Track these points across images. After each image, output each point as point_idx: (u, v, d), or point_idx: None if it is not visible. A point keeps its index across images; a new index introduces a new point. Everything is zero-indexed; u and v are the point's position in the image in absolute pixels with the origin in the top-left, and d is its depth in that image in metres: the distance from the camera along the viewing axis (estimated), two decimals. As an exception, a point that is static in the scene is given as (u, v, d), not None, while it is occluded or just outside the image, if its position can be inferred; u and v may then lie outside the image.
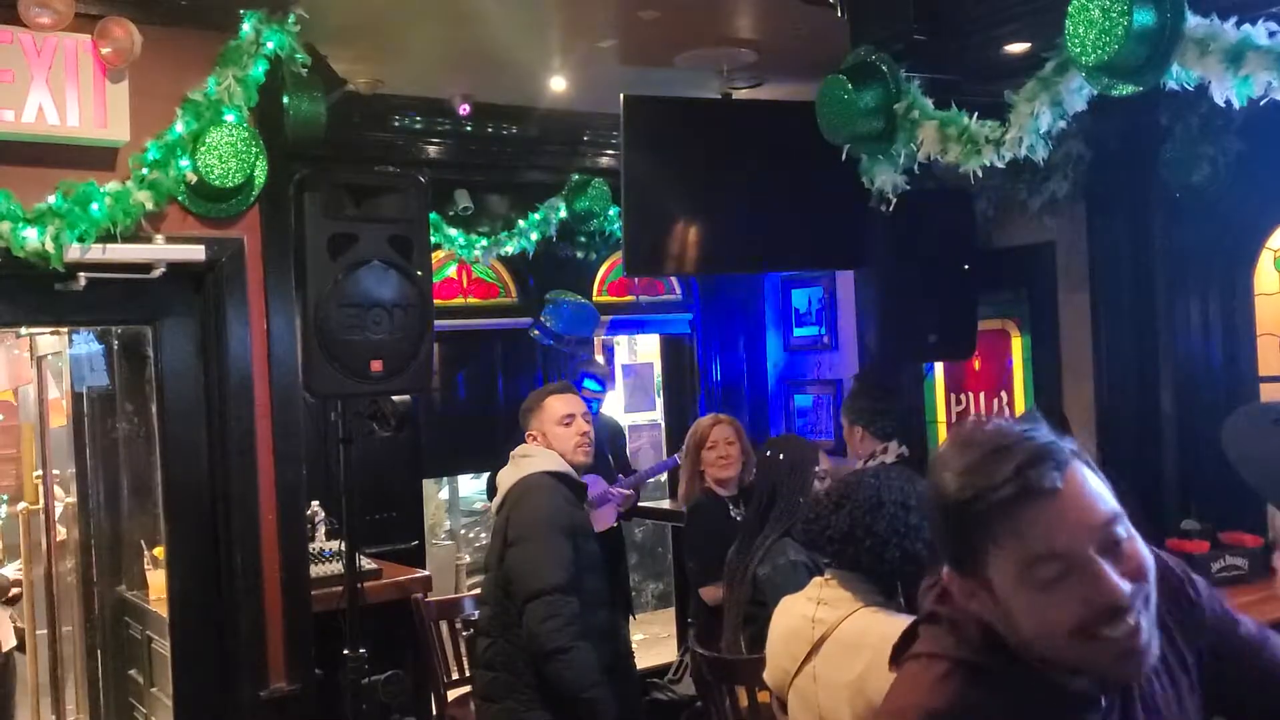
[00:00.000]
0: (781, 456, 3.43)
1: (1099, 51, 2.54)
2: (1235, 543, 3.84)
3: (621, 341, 7.68)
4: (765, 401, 6.72)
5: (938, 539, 1.32)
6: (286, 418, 3.41)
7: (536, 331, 5.90)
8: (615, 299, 6.43)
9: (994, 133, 2.89)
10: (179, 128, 3.17)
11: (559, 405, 3.51)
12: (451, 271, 5.86)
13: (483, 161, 5.78)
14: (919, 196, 3.74)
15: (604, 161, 5.95)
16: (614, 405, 7.01)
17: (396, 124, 5.48)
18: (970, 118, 3.01)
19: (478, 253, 5.51)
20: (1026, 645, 1.25)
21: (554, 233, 5.72)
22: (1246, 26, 2.42)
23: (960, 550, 1.28)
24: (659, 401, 7.31)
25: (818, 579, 2.50)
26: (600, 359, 6.54)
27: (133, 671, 4.37)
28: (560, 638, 3.08)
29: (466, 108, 5.23)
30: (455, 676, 4.27)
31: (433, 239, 5.34)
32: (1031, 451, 1.26)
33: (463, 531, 7.96)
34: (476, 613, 4.29)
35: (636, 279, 6.33)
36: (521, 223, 5.65)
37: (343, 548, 3.77)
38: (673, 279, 6.58)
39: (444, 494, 7.91)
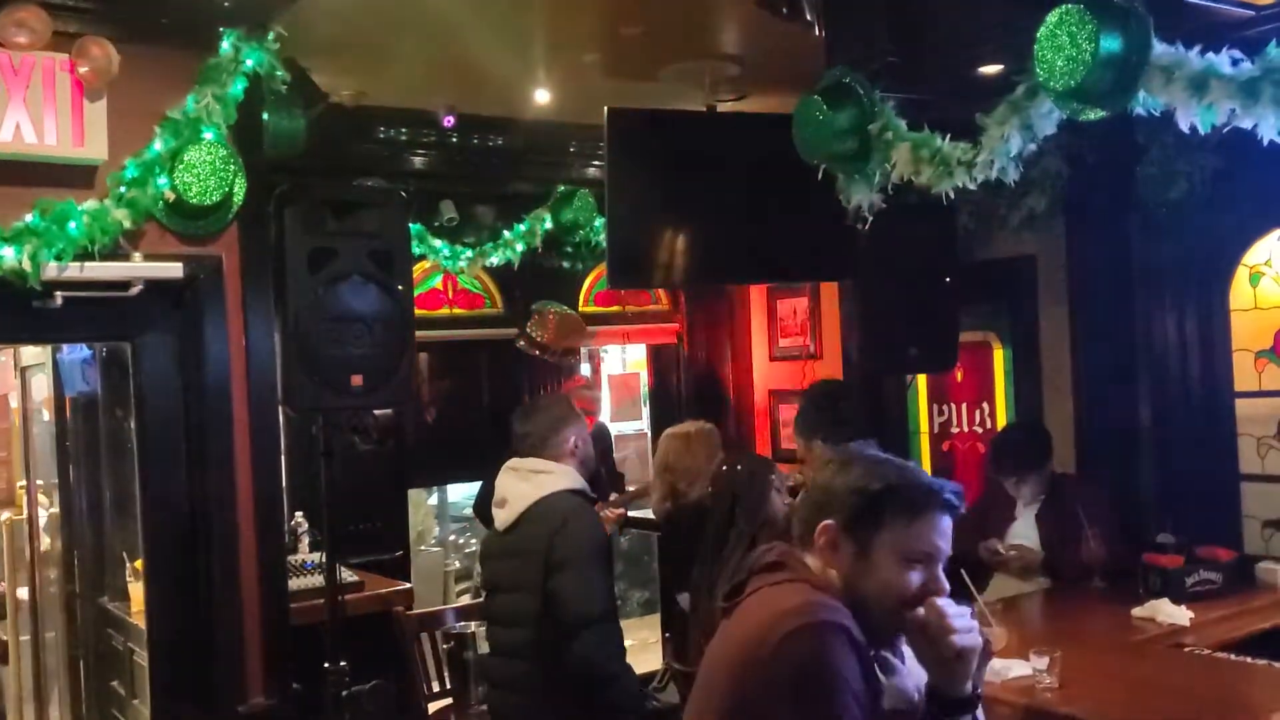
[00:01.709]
0: (739, 467, 3.46)
1: (1067, 77, 2.57)
2: (1209, 557, 3.86)
3: (609, 352, 7.69)
4: (751, 412, 6.75)
5: (840, 508, 1.90)
6: (265, 433, 3.43)
7: (522, 342, 5.92)
8: (602, 309, 6.45)
9: (965, 155, 2.92)
10: (157, 146, 3.18)
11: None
12: (437, 282, 5.88)
13: (468, 173, 5.80)
14: (901, 209, 3.76)
15: (590, 172, 5.96)
16: (601, 415, 7.03)
17: (382, 135, 5.50)
18: (944, 139, 3.04)
19: (463, 264, 5.53)
20: (859, 596, 1.86)
21: (539, 244, 5.73)
22: (1210, 55, 2.44)
23: (861, 519, 1.88)
24: (645, 411, 7.32)
25: None
26: (587, 382, 6.51)
27: (115, 683, 4.37)
28: (614, 664, 3.19)
29: (451, 119, 5.25)
30: (436, 689, 4.28)
31: (417, 250, 5.37)
32: (946, 484, 1.94)
33: (452, 538, 7.96)
34: (459, 625, 4.35)
35: (623, 290, 6.35)
36: (507, 234, 5.66)
37: (325, 560, 3.79)
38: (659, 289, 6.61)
39: (433, 500, 7.92)
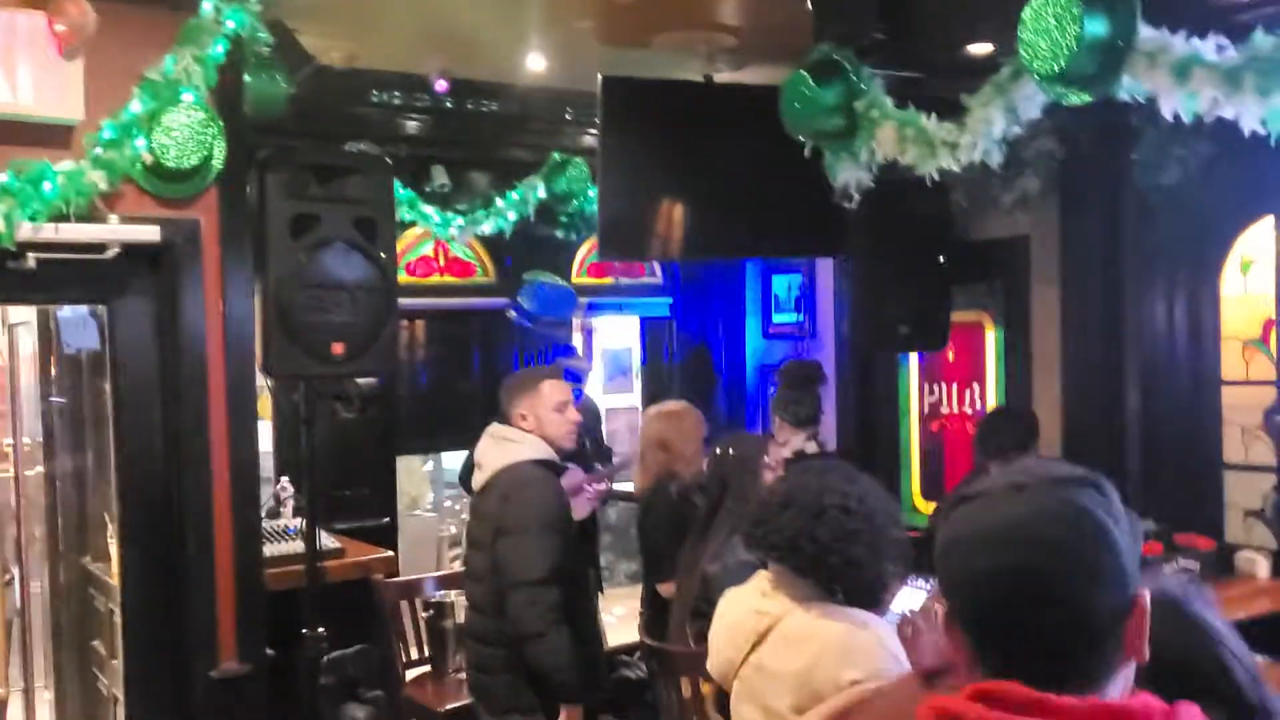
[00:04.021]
0: (731, 451, 3.45)
1: (1051, 60, 2.52)
2: (1188, 545, 3.85)
3: (602, 324, 7.66)
4: (743, 387, 6.72)
5: None
6: (241, 398, 3.42)
7: (514, 312, 5.89)
8: (594, 281, 6.41)
9: (950, 135, 2.87)
10: (135, 107, 3.15)
11: (555, 391, 3.58)
12: (428, 250, 5.84)
13: (463, 138, 5.74)
14: (895, 187, 3.73)
15: (587, 141, 5.89)
16: (593, 388, 7.01)
17: (374, 99, 5.44)
18: (930, 118, 2.99)
19: (453, 231, 5.48)
20: None
21: (532, 213, 5.68)
22: (1195, 41, 2.39)
23: None
24: (637, 385, 7.31)
25: (762, 572, 2.53)
26: (580, 349, 6.51)
27: (96, 643, 4.40)
28: (538, 624, 3.27)
29: (444, 84, 5.18)
30: (415, 656, 4.30)
31: (408, 216, 5.34)
32: None
33: (447, 504, 7.99)
34: (438, 594, 4.37)
35: (614, 262, 6.31)
36: (499, 202, 5.61)
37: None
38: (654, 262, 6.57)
39: (429, 466, 7.95)
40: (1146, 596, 1.12)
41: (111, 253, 3.19)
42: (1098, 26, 2.46)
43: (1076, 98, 2.59)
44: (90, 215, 3.12)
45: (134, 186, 3.23)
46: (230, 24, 3.28)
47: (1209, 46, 2.37)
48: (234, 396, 3.39)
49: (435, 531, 7.52)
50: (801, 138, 3.31)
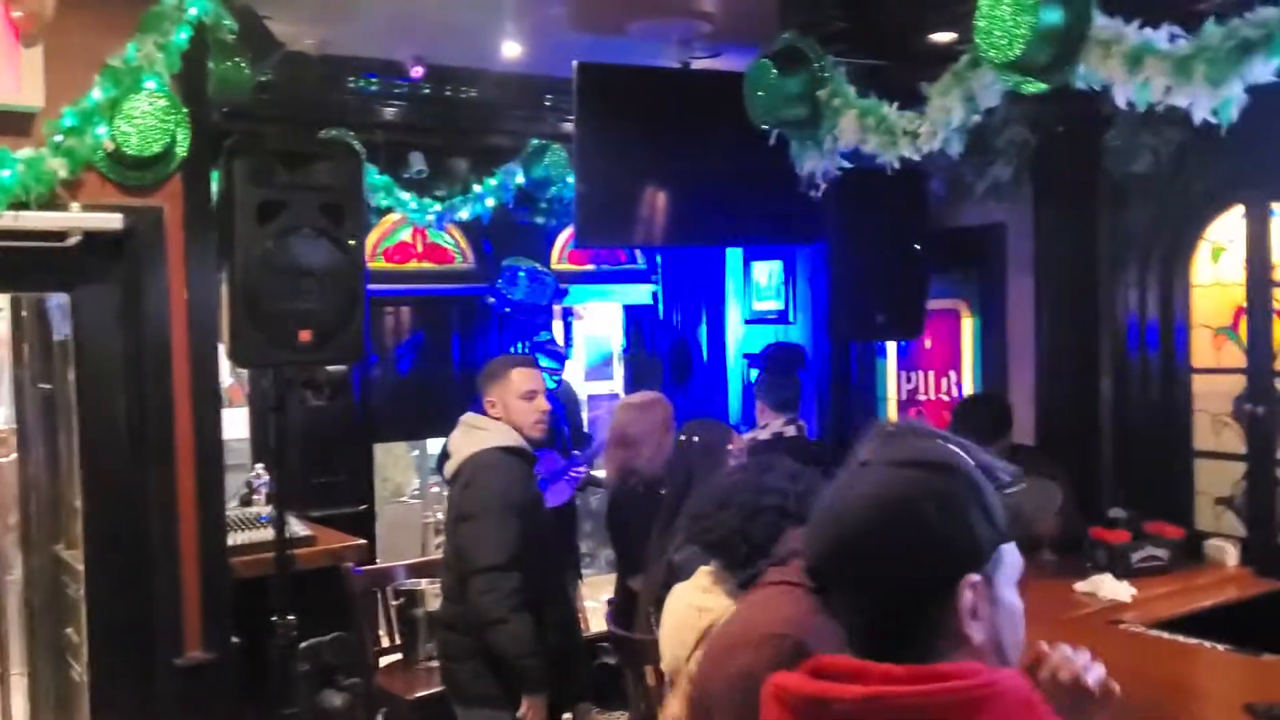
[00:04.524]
0: (696, 439, 3.44)
1: (1006, 49, 2.51)
2: (1157, 532, 3.86)
3: (584, 310, 7.65)
4: (724, 374, 6.72)
5: None
6: (205, 386, 3.41)
7: (493, 299, 5.88)
8: (575, 267, 6.40)
9: (911, 124, 2.86)
10: (96, 94, 3.12)
11: (523, 380, 3.56)
12: (406, 236, 5.83)
13: (442, 125, 5.73)
14: (871, 175, 3.72)
15: (567, 127, 5.85)
16: (574, 375, 7.01)
17: (351, 85, 5.43)
18: (892, 107, 2.98)
19: (430, 217, 5.48)
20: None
21: (511, 199, 5.67)
22: (1148, 30, 2.38)
23: None
24: (619, 372, 7.31)
25: (703, 568, 2.53)
26: (558, 332, 6.50)
27: (69, 630, 4.40)
28: (498, 610, 3.27)
29: (419, 70, 5.17)
30: (385, 645, 4.31)
31: (384, 202, 5.33)
32: None
33: (433, 490, 8.00)
34: (409, 582, 4.38)
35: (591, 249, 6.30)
36: (477, 188, 5.60)
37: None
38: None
39: (415, 453, 7.95)
40: (977, 580, 1.13)
41: (73, 241, 3.17)
42: (1053, 15, 2.45)
43: (1033, 86, 2.59)
44: (52, 203, 3.11)
45: (97, 174, 3.21)
46: (193, 10, 3.25)
47: (1162, 36, 2.37)
48: (198, 384, 3.38)
49: (420, 518, 7.53)
50: (765, 126, 3.29)
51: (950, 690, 1.05)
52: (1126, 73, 2.36)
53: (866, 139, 2.98)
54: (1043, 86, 2.57)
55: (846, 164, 3.39)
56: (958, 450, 1.22)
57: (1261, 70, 2.22)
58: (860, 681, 1.09)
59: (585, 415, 6.58)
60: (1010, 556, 1.19)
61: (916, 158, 2.90)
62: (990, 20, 2.52)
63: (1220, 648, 3.09)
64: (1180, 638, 3.17)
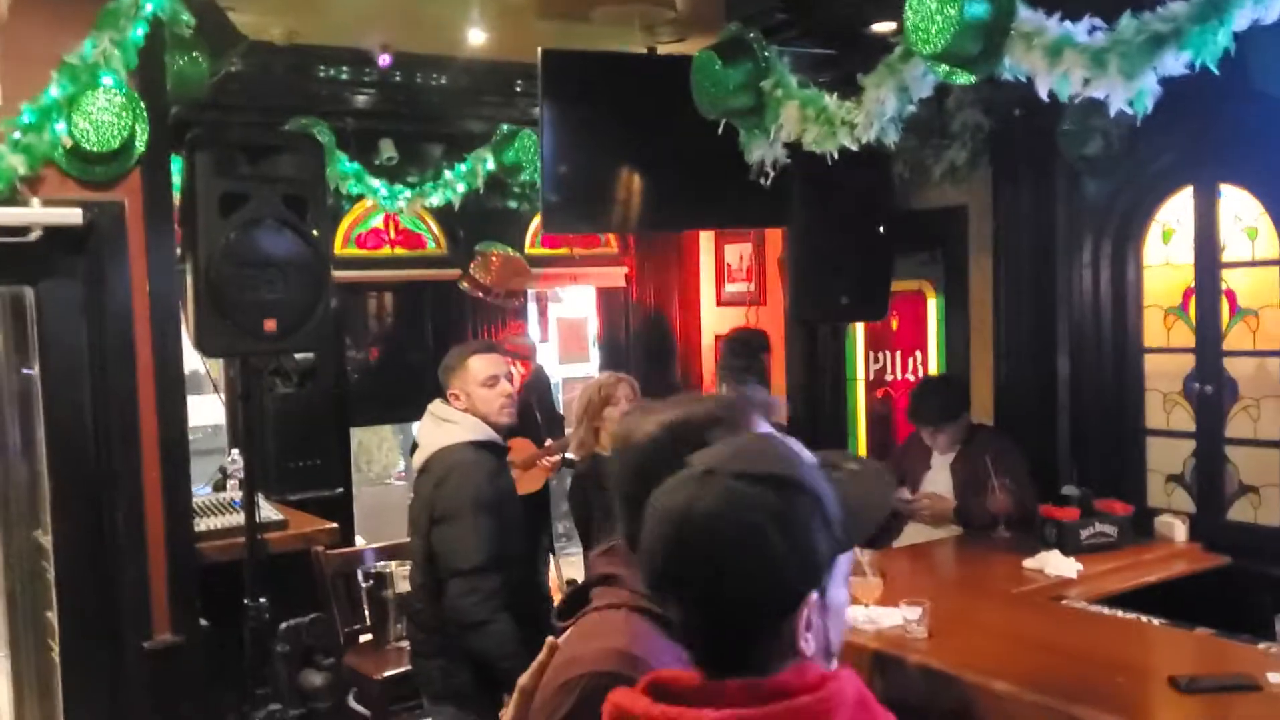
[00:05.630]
0: None
1: (934, 41, 2.57)
2: (1107, 510, 3.94)
3: (558, 294, 7.72)
4: (698, 356, 6.80)
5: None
6: (169, 376, 3.48)
7: (466, 284, 5.94)
8: (548, 251, 6.46)
9: (850, 114, 2.93)
10: (54, 92, 3.18)
11: (482, 366, 3.48)
12: (378, 222, 5.88)
13: (413, 111, 5.77)
14: (836, 158, 3.74)
15: (537, 112, 5.90)
16: (547, 357, 7.08)
17: (321, 74, 5.46)
18: (832, 97, 3.04)
19: (400, 203, 5.52)
20: None
21: (482, 185, 5.71)
22: (1068, 23, 2.45)
23: None
24: (594, 354, 7.38)
25: None
26: (521, 329, 6.52)
27: (49, 614, 4.49)
28: (479, 612, 3.20)
29: (387, 58, 5.20)
30: (356, 627, 4.40)
31: (355, 189, 5.38)
32: None
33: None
34: (378, 564, 4.46)
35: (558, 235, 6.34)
36: (448, 174, 5.64)
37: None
38: (608, 231, 6.60)
39: (400, 436, 8.03)
40: (815, 596, 1.14)
41: (34, 235, 3.24)
42: (977, 8, 2.51)
43: (962, 77, 2.65)
44: (12, 199, 3.17)
45: (56, 170, 3.28)
46: (149, 6, 3.31)
47: (1082, 29, 2.43)
48: (161, 374, 3.45)
49: (405, 500, 7.60)
50: (712, 116, 3.35)
51: (799, 709, 1.08)
52: (1047, 65, 2.43)
53: (807, 129, 3.04)
54: (971, 78, 2.64)
55: (792, 153, 3.43)
56: (798, 454, 1.22)
57: (1172, 63, 2.28)
58: (705, 703, 1.10)
59: (560, 398, 6.65)
60: (844, 558, 1.21)
61: (854, 147, 2.96)
62: (918, 13, 2.58)
63: (1156, 622, 3.17)
64: (1119, 613, 3.25)
